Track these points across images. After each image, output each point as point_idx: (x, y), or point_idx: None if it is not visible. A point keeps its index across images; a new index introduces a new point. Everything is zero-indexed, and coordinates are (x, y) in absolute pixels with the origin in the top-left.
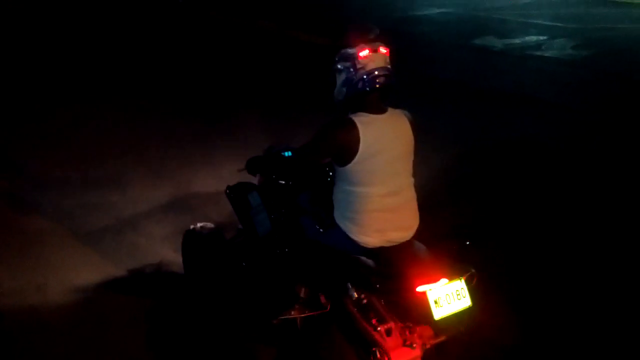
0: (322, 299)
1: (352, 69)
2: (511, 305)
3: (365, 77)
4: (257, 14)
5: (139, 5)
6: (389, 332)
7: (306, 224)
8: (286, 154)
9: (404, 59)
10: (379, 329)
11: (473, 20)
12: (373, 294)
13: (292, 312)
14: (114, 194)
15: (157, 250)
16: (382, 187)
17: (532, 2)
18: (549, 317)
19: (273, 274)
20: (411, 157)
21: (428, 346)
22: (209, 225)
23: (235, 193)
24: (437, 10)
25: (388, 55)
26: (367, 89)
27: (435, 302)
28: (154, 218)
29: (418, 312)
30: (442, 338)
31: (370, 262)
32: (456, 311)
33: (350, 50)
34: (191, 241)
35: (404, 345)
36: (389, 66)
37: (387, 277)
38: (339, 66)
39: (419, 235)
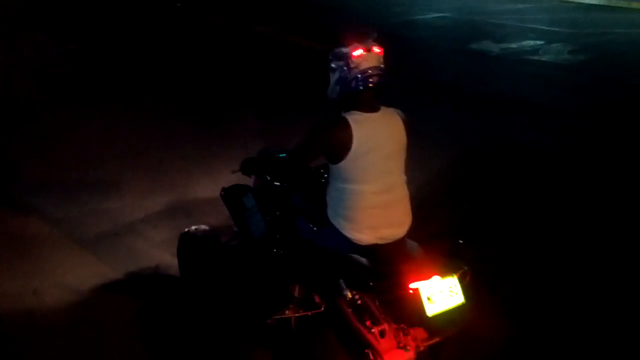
0: (317, 299)
1: (345, 68)
2: (504, 304)
3: (358, 76)
4: (254, 19)
5: (138, 9)
6: (382, 334)
7: (300, 224)
8: (280, 155)
9: (402, 63)
10: (373, 330)
11: (470, 24)
12: (367, 293)
13: (287, 312)
14: (112, 197)
15: (154, 253)
16: (374, 184)
17: (529, 6)
18: (541, 315)
19: (267, 275)
20: (404, 155)
21: (422, 348)
22: (205, 228)
23: (230, 195)
24: (434, 15)
25: (382, 54)
26: (361, 87)
27: (428, 299)
28: (152, 221)
29: (411, 310)
30: (436, 340)
31: (363, 260)
32: (449, 308)
33: (344, 50)
34: (186, 244)
35: (398, 347)
36: (382, 65)
37: (380, 275)
38: (332, 65)
39: (412, 234)
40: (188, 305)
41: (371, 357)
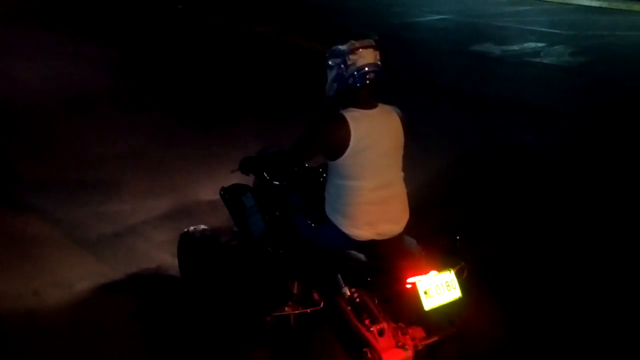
0: (316, 296)
1: (342, 65)
2: (502, 302)
3: (355, 73)
4: (255, 20)
5: (140, 10)
6: (381, 333)
7: (298, 222)
8: None
9: (403, 64)
10: (371, 329)
11: (471, 26)
12: (364, 289)
13: (286, 309)
14: (113, 197)
15: (154, 253)
16: (372, 180)
17: (529, 9)
18: (540, 314)
19: (267, 272)
20: (401, 152)
21: (420, 347)
22: (205, 228)
23: (230, 195)
24: (435, 17)
25: (378, 51)
26: (358, 84)
27: (425, 293)
28: (152, 221)
29: (409, 305)
30: (434, 339)
31: (361, 256)
32: (446, 302)
33: (341, 47)
34: (186, 244)
35: (397, 346)
36: (379, 62)
37: (377, 270)
38: (330, 62)
39: (410, 231)
40: (188, 304)
41: (369, 355)
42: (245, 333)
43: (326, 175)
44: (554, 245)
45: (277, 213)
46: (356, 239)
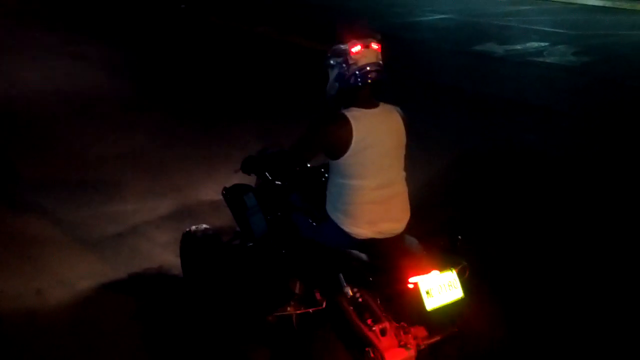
0: (318, 296)
1: (344, 65)
2: (504, 302)
3: (357, 72)
4: (257, 20)
5: (143, 9)
6: (383, 332)
7: (299, 220)
8: None
9: (404, 65)
10: (374, 328)
11: (474, 26)
12: (366, 288)
13: (288, 309)
14: (114, 197)
15: (156, 253)
16: (373, 179)
17: (531, 8)
18: (541, 313)
19: (268, 273)
20: (403, 151)
21: (422, 347)
22: (207, 227)
23: (232, 194)
24: (437, 17)
25: (380, 51)
26: (359, 84)
27: (427, 293)
28: (154, 221)
29: (411, 305)
30: (437, 338)
31: (362, 255)
32: (448, 302)
33: (342, 46)
34: (189, 243)
35: (399, 345)
36: (380, 62)
37: (379, 269)
38: (331, 62)
39: (410, 231)
40: (190, 304)
41: (372, 355)
42: (246, 333)
43: (328, 174)
44: (554, 245)
45: (279, 213)
46: (357, 237)
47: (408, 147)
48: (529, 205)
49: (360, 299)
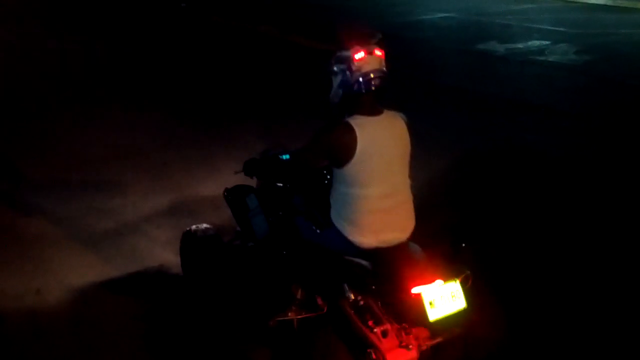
0: (319, 301)
1: (347, 72)
2: (506, 306)
3: (360, 79)
4: (258, 19)
5: (144, 8)
6: (385, 334)
7: (302, 225)
8: (283, 157)
9: (406, 64)
10: (375, 330)
11: (475, 25)
12: (369, 295)
13: (289, 314)
14: (114, 197)
15: (157, 253)
16: (378, 188)
17: (533, 7)
18: (543, 315)
19: (270, 276)
20: (407, 159)
21: (424, 347)
22: (207, 227)
23: (233, 196)
24: (439, 15)
25: (383, 57)
26: (363, 90)
27: (430, 304)
28: (154, 221)
29: (413, 314)
30: (439, 339)
31: (365, 263)
32: (451, 313)
33: (345, 53)
34: (189, 243)
35: (400, 346)
36: (384, 68)
37: (382, 278)
38: (334, 68)
39: (414, 236)
40: (191, 304)
41: (373, 356)
42: (247, 334)
43: (332, 180)
44: (555, 247)
45: (281, 214)
46: (361, 246)
47: (413, 153)
48: (530, 206)
49: (361, 302)
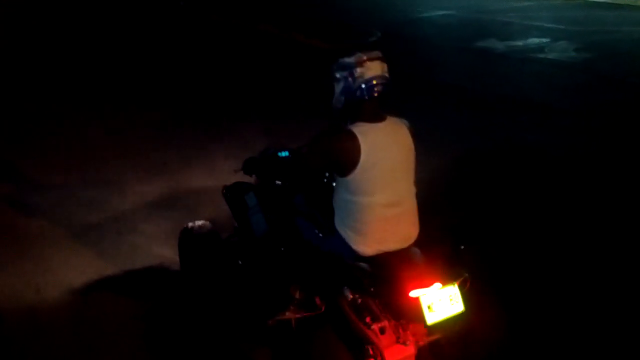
0: (317, 301)
1: (350, 78)
2: (506, 306)
3: (363, 85)
4: (258, 17)
5: (142, 7)
6: (382, 331)
7: (303, 226)
8: (282, 154)
9: (406, 62)
10: (372, 327)
11: (475, 22)
12: (367, 296)
13: (287, 313)
14: (113, 196)
15: (156, 251)
16: (383, 196)
17: (534, 4)
18: (543, 317)
19: (268, 274)
20: (412, 165)
21: (421, 343)
22: (205, 223)
23: (232, 193)
24: (439, 13)
25: (385, 63)
26: (366, 97)
27: (429, 307)
28: (154, 220)
29: (411, 317)
30: (436, 336)
31: (364, 265)
32: (449, 316)
33: (347, 60)
34: (187, 239)
35: (398, 342)
36: (386, 74)
37: (381, 280)
38: (337, 75)
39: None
40: (189, 302)
41: (371, 352)
42: (245, 332)
43: (335, 186)
44: (555, 247)
45: (280, 212)
46: (364, 254)
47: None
48: (530, 205)
49: (359, 300)
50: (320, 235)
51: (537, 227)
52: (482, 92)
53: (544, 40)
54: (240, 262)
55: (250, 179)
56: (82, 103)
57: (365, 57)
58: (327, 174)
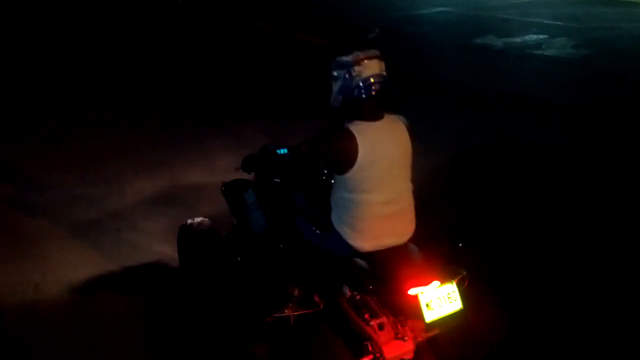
0: (316, 298)
1: (347, 77)
2: (505, 305)
3: (361, 84)
4: (256, 14)
5: (139, 4)
6: (381, 327)
7: (302, 225)
8: (281, 151)
9: (405, 59)
10: (371, 323)
11: (474, 19)
12: (366, 294)
13: (286, 311)
14: (113, 195)
15: (155, 248)
16: (380, 193)
17: (532, 0)
18: (543, 316)
19: (267, 272)
20: (409, 163)
21: (420, 339)
22: (204, 220)
23: (231, 190)
24: (437, 9)
25: (383, 62)
26: (363, 96)
27: (427, 305)
28: (153, 217)
29: (410, 315)
30: (434, 332)
31: (363, 263)
32: (447, 314)
33: (345, 58)
34: (186, 236)
35: (396, 338)
36: (384, 73)
37: (379, 279)
38: (334, 74)
39: (412, 236)
40: (188, 300)
41: (370, 348)
42: (244, 330)
43: (332, 184)
44: (555, 246)
45: (278, 209)
46: (361, 250)
47: (414, 156)
48: (529, 205)
49: (357, 297)
50: (318, 232)
51: (537, 227)
52: (481, 89)
53: (542, 36)
54: (239, 259)
55: (249, 177)
56: (82, 103)
57: (362, 56)
58: (325, 172)
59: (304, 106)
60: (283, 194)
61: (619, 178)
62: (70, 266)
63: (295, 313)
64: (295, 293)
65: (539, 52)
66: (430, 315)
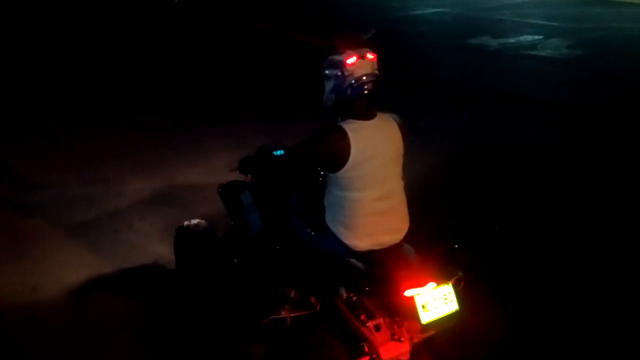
0: (312, 300)
1: (340, 76)
2: (503, 306)
3: (353, 83)
4: (253, 14)
5: (136, 4)
6: (377, 328)
7: (297, 226)
8: (277, 152)
9: (400, 59)
10: (367, 324)
11: (469, 19)
12: (362, 295)
13: (282, 312)
14: (112, 196)
15: (152, 249)
16: (373, 191)
17: (527, 1)
18: (541, 316)
19: (264, 273)
20: (401, 161)
21: (416, 340)
22: (201, 222)
23: (228, 192)
24: (432, 10)
25: (375, 60)
26: (356, 95)
27: (423, 307)
28: (150, 218)
29: (406, 316)
30: (431, 333)
31: (360, 265)
32: (443, 315)
33: (337, 57)
34: (183, 238)
35: (393, 339)
36: (376, 72)
37: (376, 280)
38: (326, 72)
39: (407, 237)
40: (185, 300)
41: (366, 349)
42: (241, 331)
43: (326, 183)
44: (549, 245)
45: (275, 211)
46: (356, 249)
47: (406, 155)
48: (528, 204)
49: (354, 298)
50: (312, 233)
51: (533, 227)
52: (478, 88)
53: (537, 37)
54: (235, 261)
55: (246, 178)
56: (81, 103)
57: (354, 55)
58: (322, 173)
59: (304, 106)
60: (279, 195)
61: (616, 176)
62: (69, 267)
63: (292, 314)
64: (292, 294)
65: (534, 52)
66: (427, 316)
